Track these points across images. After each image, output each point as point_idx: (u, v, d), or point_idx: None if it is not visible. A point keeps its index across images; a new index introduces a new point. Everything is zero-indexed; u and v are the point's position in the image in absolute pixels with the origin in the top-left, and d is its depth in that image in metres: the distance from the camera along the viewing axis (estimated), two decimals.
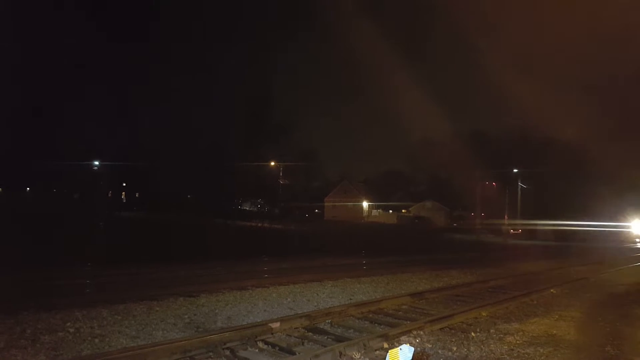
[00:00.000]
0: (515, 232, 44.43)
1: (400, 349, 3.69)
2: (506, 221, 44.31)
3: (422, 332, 6.23)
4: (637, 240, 40.37)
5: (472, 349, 5.65)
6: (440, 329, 6.60)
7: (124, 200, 54.34)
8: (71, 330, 5.84)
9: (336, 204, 59.19)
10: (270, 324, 6.19)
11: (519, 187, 45.88)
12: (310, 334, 6.30)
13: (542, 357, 5.36)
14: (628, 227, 41.34)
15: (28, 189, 49.55)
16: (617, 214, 41.29)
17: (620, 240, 38.52)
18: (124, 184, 54.25)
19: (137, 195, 55.80)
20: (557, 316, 7.63)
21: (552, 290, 10.41)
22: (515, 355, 5.44)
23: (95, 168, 43.38)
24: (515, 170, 47.17)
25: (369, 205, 61.50)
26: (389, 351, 3.75)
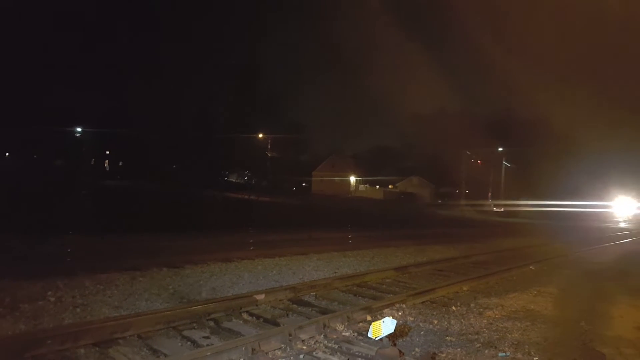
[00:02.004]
0: (499, 210, 45.40)
1: (383, 321, 3.74)
2: (490, 199, 45.14)
3: (404, 306, 6.35)
4: (618, 219, 41.24)
5: (452, 322, 5.79)
6: (422, 302, 6.73)
7: (107, 169, 53.39)
8: (52, 299, 5.76)
9: (324, 178, 59.31)
10: (255, 296, 6.22)
11: (503, 166, 46.57)
12: (294, 306, 6.37)
13: (520, 331, 5.52)
14: (609, 206, 42.24)
15: (7, 154, 48.16)
16: (602, 192, 42.01)
17: (601, 220, 39.56)
18: (108, 152, 53.13)
19: (120, 164, 54.81)
20: (535, 292, 7.86)
21: (531, 266, 10.71)
22: (494, 329, 5.59)
23: (78, 135, 42.27)
24: (500, 149, 47.73)
25: (356, 180, 61.80)
26: (372, 323, 3.79)
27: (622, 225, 37.60)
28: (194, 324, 5.22)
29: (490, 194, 46.30)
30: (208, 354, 4.07)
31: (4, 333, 4.57)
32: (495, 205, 44.88)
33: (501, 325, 5.72)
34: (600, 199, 41.48)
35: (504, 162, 47.22)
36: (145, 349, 4.53)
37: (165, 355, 4.34)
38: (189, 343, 4.75)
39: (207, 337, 4.89)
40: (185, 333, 4.98)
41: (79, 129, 41.81)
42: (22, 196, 18.84)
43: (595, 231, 27.46)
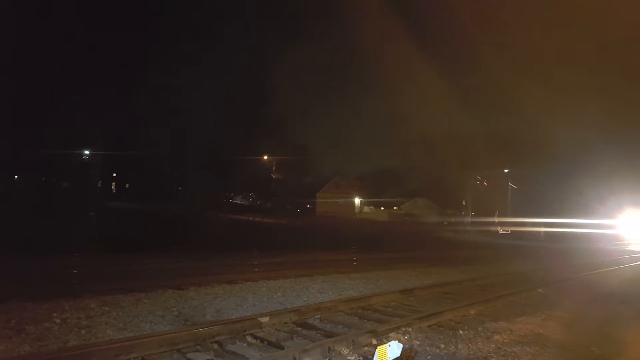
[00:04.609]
0: (505, 232, 44.83)
1: (389, 345, 3.71)
2: (496, 221, 44.67)
3: (410, 329, 6.26)
4: (630, 242, 39.73)
5: (460, 346, 5.69)
6: (429, 326, 6.63)
7: (114, 191, 53.85)
8: (57, 320, 5.76)
9: (328, 199, 59.23)
10: (259, 319, 6.16)
11: (509, 188, 46.40)
12: (299, 328, 6.30)
13: (529, 356, 5.41)
14: (614, 227, 41.02)
15: (16, 177, 48.88)
16: (614, 211, 40.67)
17: (610, 241, 38.64)
18: (114, 174, 53.77)
19: (127, 186, 55.33)
20: (544, 315, 7.71)
21: (539, 289, 10.53)
22: (502, 353, 5.49)
23: (85, 157, 42.96)
24: (506, 171, 47.68)
25: (361, 201, 61.64)
26: (378, 347, 3.76)
27: (633, 247, 36.57)
28: (198, 347, 5.18)
29: (496, 216, 45.90)
30: None
31: (9, 354, 4.56)
32: (501, 228, 44.40)
33: (510, 350, 5.61)
34: (612, 217, 40.31)
35: (510, 184, 47.06)
36: None
37: None
38: None
39: None
40: (190, 356, 4.94)
41: (86, 152, 42.55)
42: (30, 218, 18.99)
43: (604, 253, 26.98)
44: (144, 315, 6.37)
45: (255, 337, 5.73)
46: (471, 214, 49.68)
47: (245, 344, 5.50)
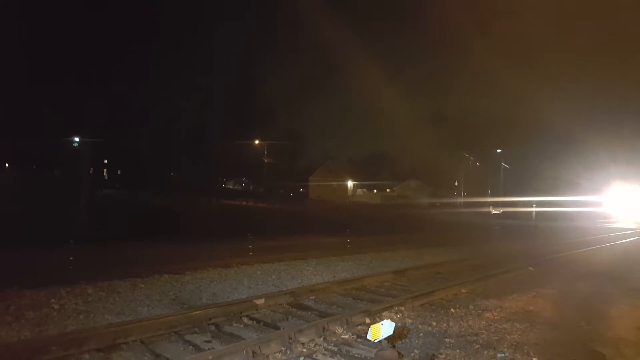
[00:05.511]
0: (496, 212, 45.37)
1: (382, 324, 3.80)
2: (489, 200, 45.21)
3: (403, 308, 6.41)
4: (615, 220, 39.89)
5: (451, 324, 5.85)
6: (421, 305, 6.79)
7: (106, 178, 53.32)
8: (55, 306, 5.82)
9: (321, 183, 59.34)
10: (255, 301, 6.27)
11: (502, 168, 46.84)
12: (294, 310, 6.42)
13: (519, 332, 5.57)
14: (602, 204, 41.36)
15: (7, 165, 48.11)
16: (603, 187, 40.99)
17: (598, 219, 39.15)
18: (105, 161, 53.11)
19: (118, 173, 54.78)
20: (534, 293, 7.91)
21: (530, 268, 10.77)
22: (492, 330, 5.65)
23: (76, 145, 42.31)
24: (498, 151, 48.10)
25: (353, 184, 61.89)
26: (371, 326, 3.85)
27: (622, 225, 36.97)
28: (196, 329, 5.27)
29: (488, 196, 46.47)
30: (210, 357, 4.13)
31: (10, 340, 4.62)
32: (493, 208, 44.93)
33: (500, 327, 5.77)
34: (600, 194, 40.65)
35: (502, 163, 47.52)
36: (148, 354, 4.58)
37: (168, 359, 4.39)
38: (190, 347, 4.80)
39: (209, 341, 4.93)
40: (187, 337, 5.03)
41: (76, 139, 41.86)
42: (22, 207, 18.83)
43: (593, 231, 27.50)
44: (141, 299, 6.44)
45: (251, 319, 5.84)
46: (463, 194, 50.12)
47: (242, 325, 5.60)
